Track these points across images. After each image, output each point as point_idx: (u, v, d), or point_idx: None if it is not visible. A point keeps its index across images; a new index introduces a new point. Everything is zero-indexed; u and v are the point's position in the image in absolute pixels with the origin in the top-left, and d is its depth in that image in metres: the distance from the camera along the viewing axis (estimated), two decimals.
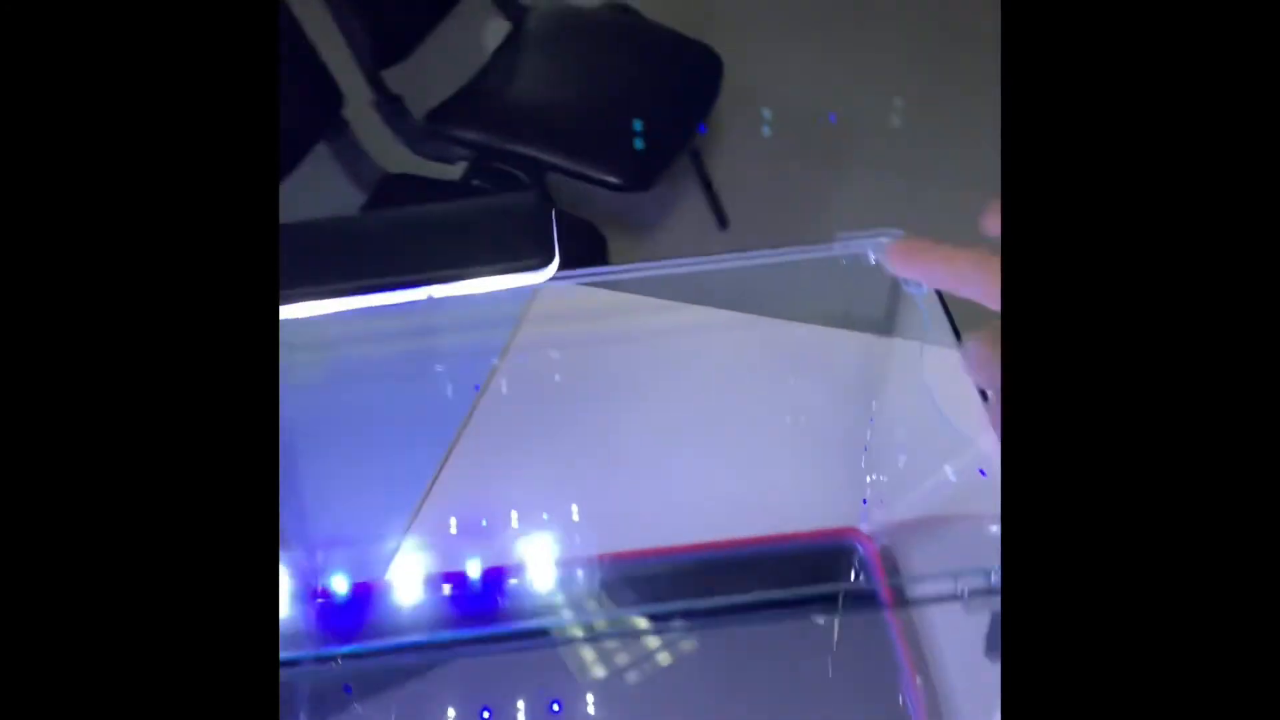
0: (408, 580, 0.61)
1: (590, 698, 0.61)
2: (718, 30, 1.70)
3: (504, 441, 0.76)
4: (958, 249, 0.32)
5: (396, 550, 0.66)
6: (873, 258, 0.48)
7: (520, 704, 0.61)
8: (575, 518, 0.68)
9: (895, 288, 0.49)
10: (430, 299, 0.35)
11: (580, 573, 0.64)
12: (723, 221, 1.90)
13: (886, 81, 2.07)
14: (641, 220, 1.87)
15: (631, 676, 0.63)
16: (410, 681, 0.62)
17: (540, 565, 0.62)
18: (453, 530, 0.67)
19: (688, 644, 0.65)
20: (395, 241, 0.35)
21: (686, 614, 0.55)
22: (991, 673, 0.49)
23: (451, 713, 0.62)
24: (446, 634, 0.49)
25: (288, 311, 0.34)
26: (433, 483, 0.73)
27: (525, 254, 0.34)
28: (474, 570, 0.56)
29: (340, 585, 0.51)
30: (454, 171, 1.53)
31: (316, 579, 0.52)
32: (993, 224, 0.30)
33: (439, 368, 0.79)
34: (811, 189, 1.92)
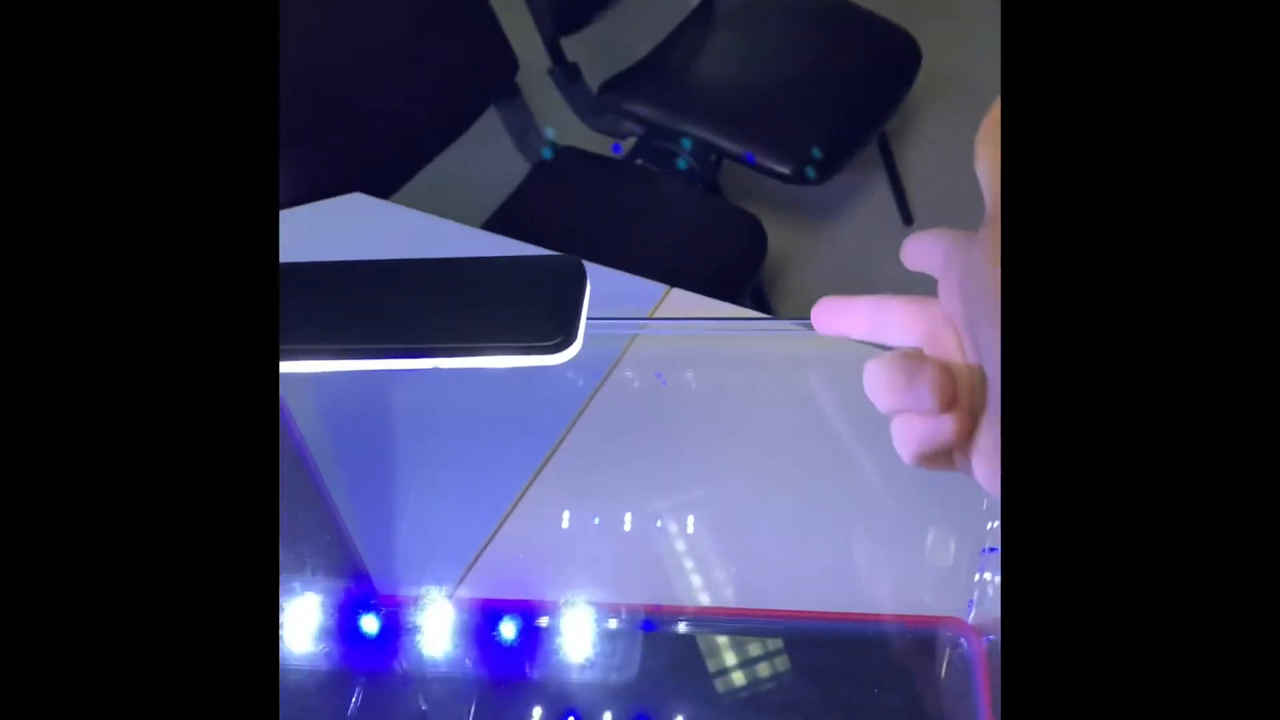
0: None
1: None
2: (918, 13, 1.59)
3: (586, 480, 0.72)
4: (884, 299, 0.31)
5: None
6: None
7: None
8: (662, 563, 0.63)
9: None
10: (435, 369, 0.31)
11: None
12: (907, 217, 1.80)
13: None
14: (815, 212, 1.79)
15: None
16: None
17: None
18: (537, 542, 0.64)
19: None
20: (404, 301, 0.31)
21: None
22: None
23: None
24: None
25: (285, 367, 0.31)
26: (515, 505, 0.69)
27: (544, 334, 0.30)
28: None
29: (370, 625, 0.49)
30: (623, 145, 1.50)
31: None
32: (911, 257, 0.30)
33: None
34: None
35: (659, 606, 0.62)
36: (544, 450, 0.71)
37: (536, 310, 0.30)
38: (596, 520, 0.66)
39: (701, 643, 0.62)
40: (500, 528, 0.68)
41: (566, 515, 0.66)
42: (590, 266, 0.73)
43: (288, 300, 0.31)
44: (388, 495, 0.68)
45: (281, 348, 0.31)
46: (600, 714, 0.56)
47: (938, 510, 0.63)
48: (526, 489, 0.69)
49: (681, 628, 0.62)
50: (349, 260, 0.32)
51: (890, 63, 1.50)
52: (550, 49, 1.40)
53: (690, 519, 0.66)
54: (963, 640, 0.59)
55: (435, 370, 0.31)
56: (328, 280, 0.32)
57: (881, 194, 1.76)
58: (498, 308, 0.31)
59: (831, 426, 0.71)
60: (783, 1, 1.57)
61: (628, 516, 0.65)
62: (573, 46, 1.41)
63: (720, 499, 0.68)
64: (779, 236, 1.41)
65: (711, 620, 0.63)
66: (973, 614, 0.59)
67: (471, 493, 0.68)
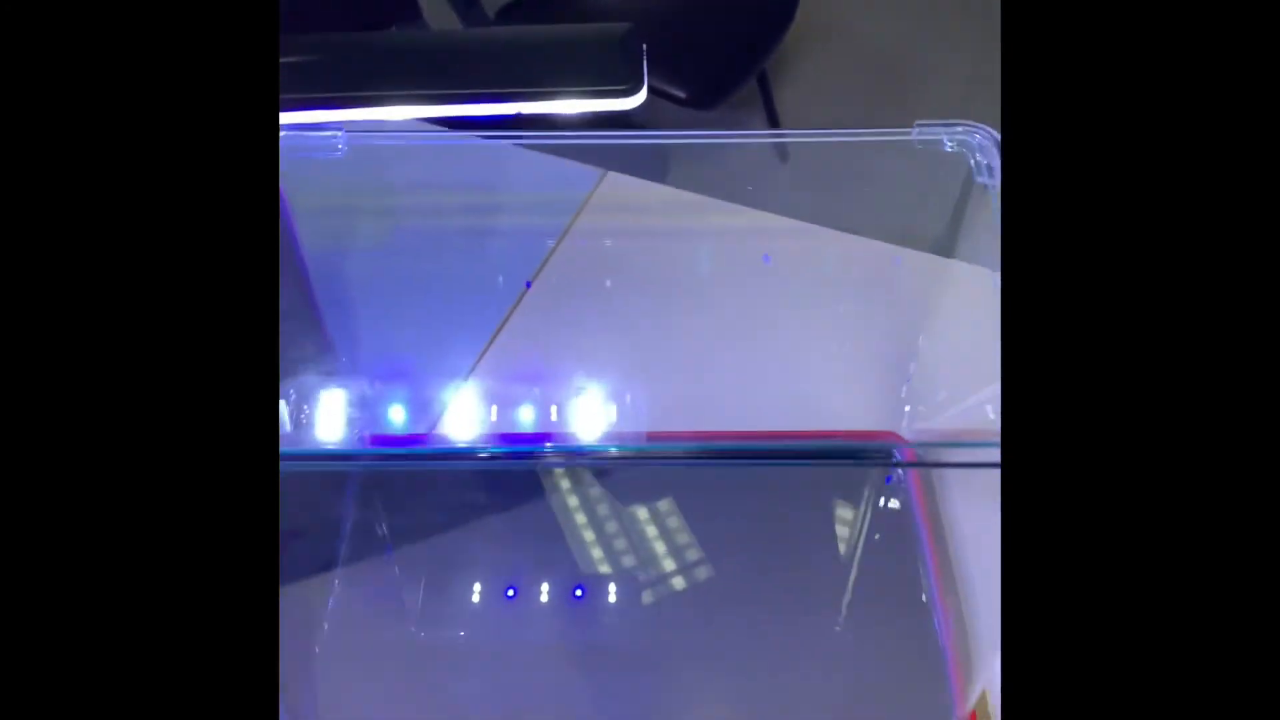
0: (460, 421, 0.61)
1: (613, 587, 0.62)
2: None
3: (554, 321, 0.77)
4: None
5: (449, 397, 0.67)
6: (948, 145, 0.48)
7: (545, 586, 0.62)
8: (627, 399, 0.69)
9: (968, 176, 0.49)
10: (519, 114, 0.35)
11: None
12: (783, 154, 1.88)
13: (965, 31, 2.02)
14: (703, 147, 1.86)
15: (656, 567, 0.64)
16: (441, 554, 0.64)
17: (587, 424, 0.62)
18: (502, 390, 0.68)
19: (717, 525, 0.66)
20: (489, 56, 0.35)
21: (727, 454, 0.55)
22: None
23: (478, 587, 0.63)
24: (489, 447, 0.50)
25: (386, 113, 0.35)
26: (480, 357, 0.74)
27: (616, 79, 0.35)
28: (526, 415, 0.57)
29: (397, 415, 0.52)
30: None
31: (371, 410, 0.54)
32: None
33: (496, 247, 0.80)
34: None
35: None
36: (507, 305, 0.75)
37: (610, 63, 0.35)
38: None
39: (658, 466, 0.68)
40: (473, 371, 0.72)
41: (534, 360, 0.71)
42: (525, 154, 0.77)
43: (371, 58, 0.35)
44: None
45: (375, 94, 0.35)
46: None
47: (870, 343, 0.71)
48: (495, 337, 0.74)
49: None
50: (434, 31, 0.36)
51: (770, 3, 1.58)
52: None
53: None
54: (896, 450, 0.67)
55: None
56: (418, 42, 0.36)
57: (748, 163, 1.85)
58: (575, 60, 0.35)
59: (767, 286, 0.77)
60: None
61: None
62: None
63: (675, 344, 0.74)
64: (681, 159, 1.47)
65: (672, 442, 0.69)
66: (904, 426, 0.67)
67: (446, 338, 0.72)
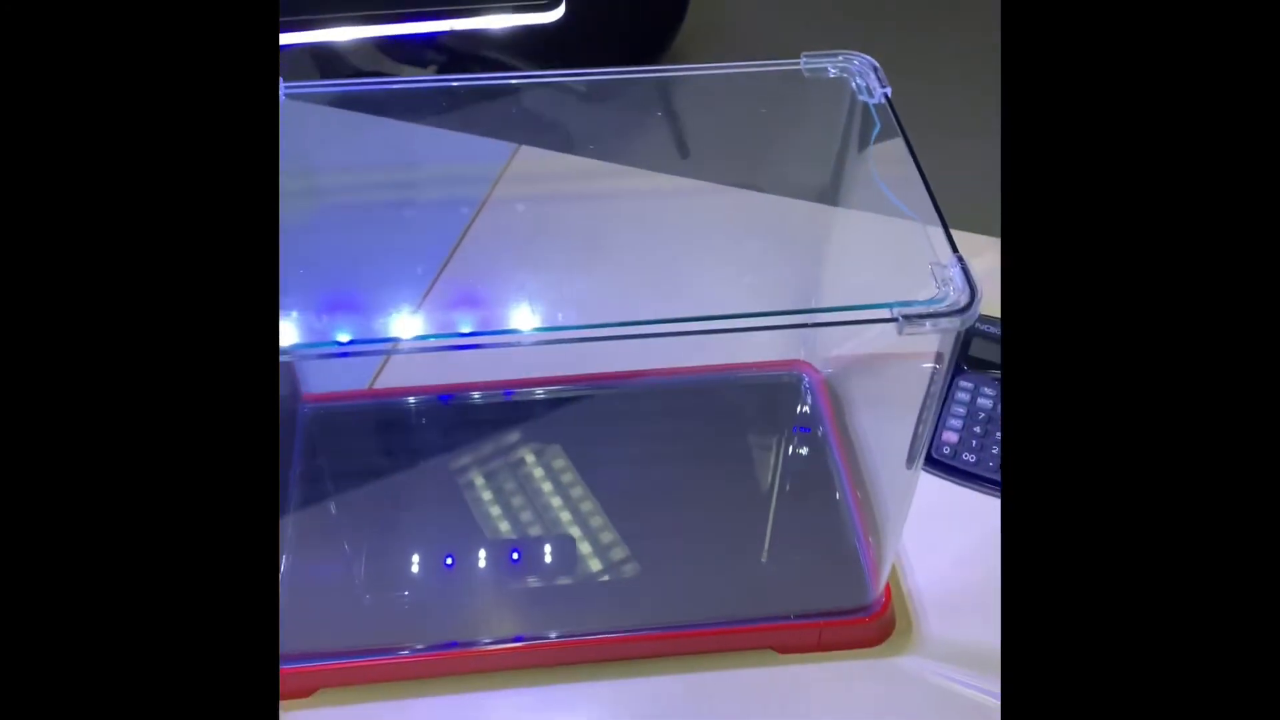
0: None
1: (548, 548, 0.66)
2: None
3: (477, 283, 0.81)
4: None
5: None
6: (832, 72, 0.54)
7: (481, 552, 0.65)
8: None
9: (852, 98, 0.55)
10: (452, 32, 0.39)
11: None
12: (683, 151, 1.95)
13: (850, 28, 2.13)
14: (608, 140, 1.91)
15: (587, 519, 0.69)
16: (381, 518, 0.67)
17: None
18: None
19: (641, 468, 0.70)
20: None
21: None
22: (907, 481, 0.56)
23: (416, 558, 0.66)
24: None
25: (324, 35, 0.39)
26: (411, 312, 0.77)
27: None
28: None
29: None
30: (418, 73, 1.56)
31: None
32: None
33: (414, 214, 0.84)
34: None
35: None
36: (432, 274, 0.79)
37: None
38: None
39: (594, 401, 0.73)
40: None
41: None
42: (439, 131, 0.81)
43: None
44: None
45: (305, 18, 0.38)
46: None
47: (775, 283, 0.76)
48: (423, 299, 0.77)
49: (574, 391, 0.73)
50: None
51: (663, 3, 1.65)
52: None
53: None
54: (806, 376, 0.73)
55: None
56: None
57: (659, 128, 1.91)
58: None
59: (671, 240, 0.83)
60: None
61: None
62: None
63: (588, 297, 0.78)
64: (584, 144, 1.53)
65: (603, 384, 0.73)
66: (804, 353, 0.73)
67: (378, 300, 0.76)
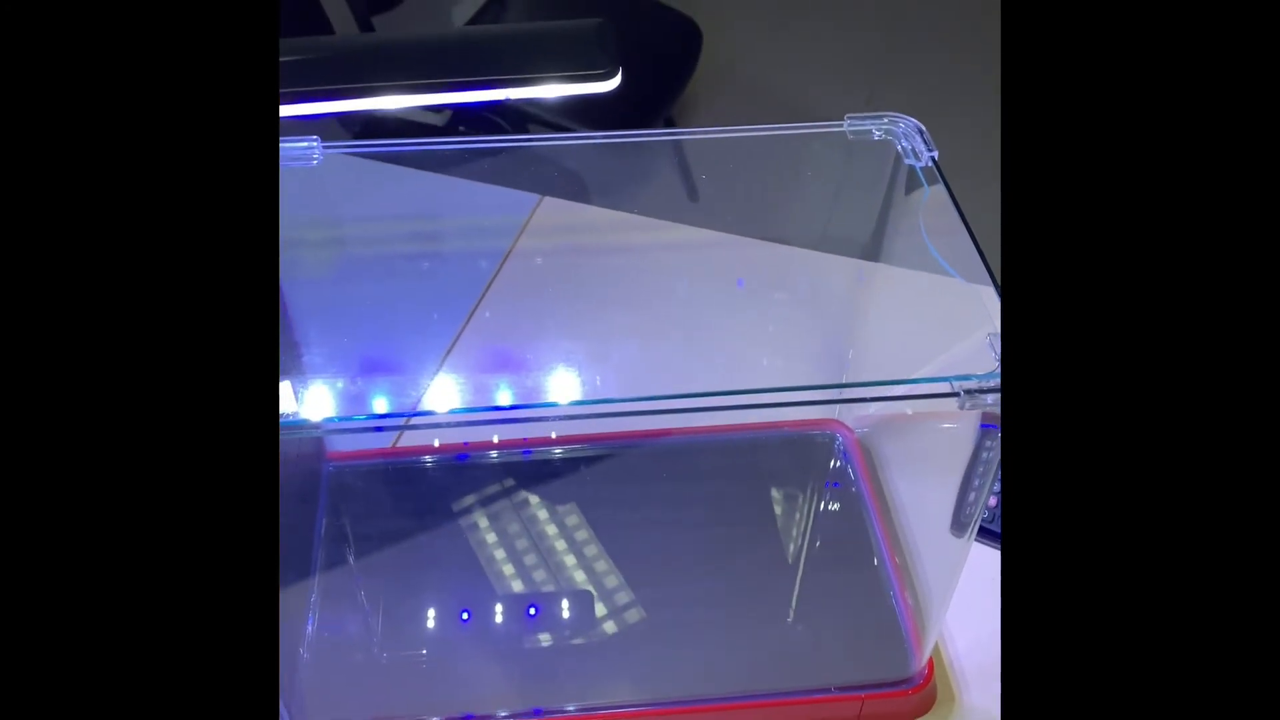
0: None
1: (567, 613, 0.64)
2: (697, 8, 1.75)
3: (500, 339, 0.80)
4: None
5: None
6: (876, 135, 0.53)
7: (499, 612, 0.64)
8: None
9: (897, 160, 0.54)
10: (506, 101, 0.38)
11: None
12: (693, 193, 1.95)
13: (861, 72, 2.14)
14: (619, 184, 1.92)
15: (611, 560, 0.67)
16: (401, 578, 0.65)
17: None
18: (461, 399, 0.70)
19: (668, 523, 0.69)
20: (480, 49, 0.39)
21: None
22: (956, 550, 0.54)
23: (432, 619, 0.65)
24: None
25: (383, 103, 0.38)
26: (434, 374, 0.76)
27: (594, 65, 0.38)
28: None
29: (378, 407, 0.54)
30: (437, 118, 1.57)
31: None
32: None
33: (431, 266, 0.83)
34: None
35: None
36: (459, 323, 0.78)
37: (588, 51, 0.39)
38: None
39: (618, 460, 0.71)
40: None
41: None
42: (464, 182, 0.81)
43: (365, 55, 0.38)
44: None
45: (365, 85, 0.38)
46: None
47: (806, 339, 0.75)
48: (446, 355, 0.76)
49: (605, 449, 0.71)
50: (416, 34, 0.39)
51: (674, 45, 1.65)
52: (361, 26, 1.45)
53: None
54: (840, 436, 0.72)
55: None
56: (412, 41, 0.39)
57: (668, 174, 1.92)
58: (555, 49, 0.39)
59: (699, 293, 0.82)
60: None
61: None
62: (385, 24, 1.47)
63: (620, 351, 0.77)
64: (599, 196, 1.52)
65: (628, 442, 0.72)
66: (838, 412, 0.72)
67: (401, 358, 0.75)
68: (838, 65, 2.16)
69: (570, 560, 0.67)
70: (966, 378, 0.42)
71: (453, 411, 0.44)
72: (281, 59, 0.38)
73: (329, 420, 0.46)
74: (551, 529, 0.69)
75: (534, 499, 0.70)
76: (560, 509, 0.69)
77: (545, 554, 0.67)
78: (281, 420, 0.43)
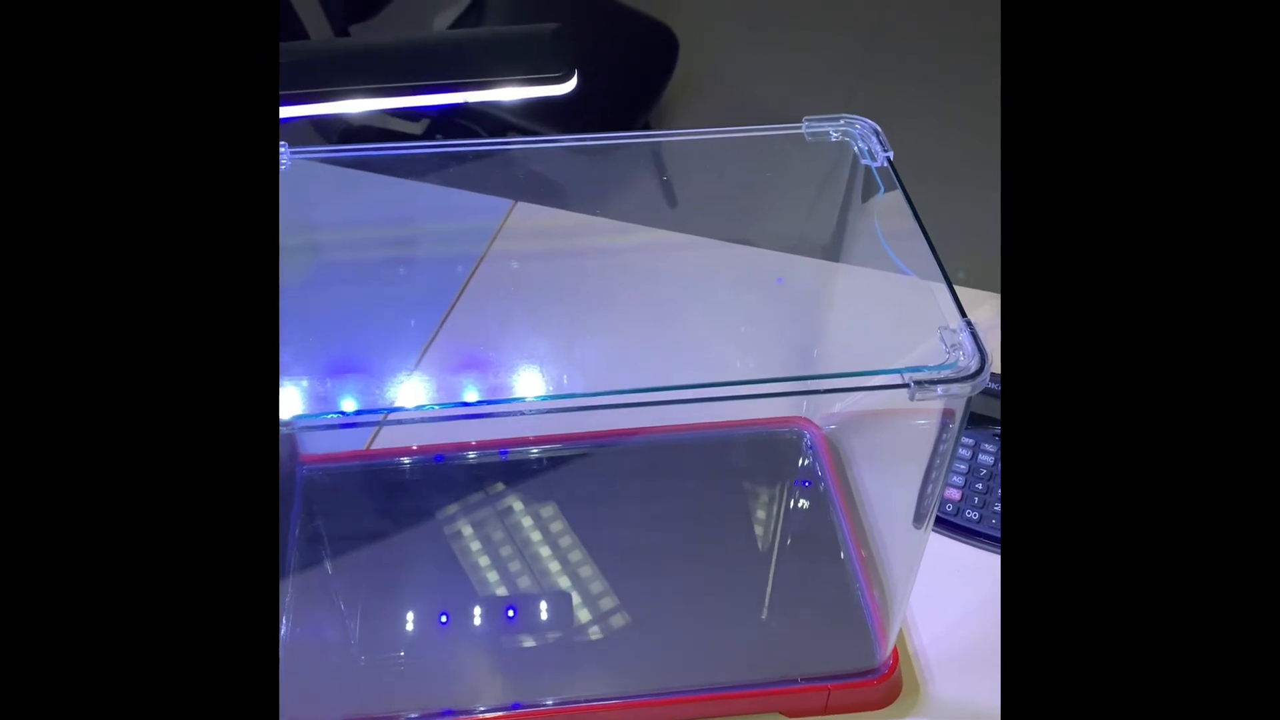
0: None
1: (544, 609, 0.65)
2: (674, 17, 1.77)
3: (475, 342, 0.81)
4: None
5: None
6: (833, 135, 0.55)
7: (477, 612, 0.65)
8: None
9: (854, 161, 0.55)
10: (466, 104, 0.39)
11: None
12: (671, 200, 1.96)
13: (838, 79, 2.16)
14: (590, 189, 1.93)
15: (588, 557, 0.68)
16: (378, 579, 0.66)
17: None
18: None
19: (639, 515, 0.70)
20: (440, 53, 0.40)
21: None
22: (916, 540, 0.55)
23: (411, 618, 0.66)
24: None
25: (344, 107, 0.39)
26: (407, 377, 0.77)
27: (549, 68, 0.40)
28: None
29: (347, 405, 0.55)
30: (416, 127, 1.57)
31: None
32: None
33: (405, 272, 0.84)
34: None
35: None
36: (433, 325, 0.79)
37: (543, 54, 0.40)
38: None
39: (591, 459, 0.72)
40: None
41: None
42: (437, 188, 0.82)
43: (327, 61, 0.39)
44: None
45: (326, 90, 0.39)
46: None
47: (773, 338, 0.76)
48: (421, 357, 0.77)
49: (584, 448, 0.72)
50: (384, 38, 0.40)
51: (651, 53, 1.67)
52: (338, 35, 1.46)
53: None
54: (807, 433, 0.73)
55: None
56: (371, 45, 0.40)
57: (638, 178, 1.93)
58: (511, 53, 0.40)
59: (670, 295, 0.83)
60: None
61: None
62: (362, 34, 1.48)
63: (586, 354, 0.78)
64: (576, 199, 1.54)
65: (600, 441, 0.73)
66: (805, 409, 0.73)
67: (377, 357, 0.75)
68: (815, 73, 2.18)
69: (547, 557, 0.68)
70: (917, 369, 0.44)
71: (421, 408, 0.45)
72: None
73: (299, 418, 0.47)
74: (527, 527, 0.69)
75: (510, 499, 0.71)
76: (535, 508, 0.70)
77: (521, 552, 0.68)
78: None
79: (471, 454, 0.73)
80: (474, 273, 0.85)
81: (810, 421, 0.73)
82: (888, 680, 0.59)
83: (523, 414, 0.46)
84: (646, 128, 1.85)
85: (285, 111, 0.39)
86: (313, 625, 0.64)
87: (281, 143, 0.53)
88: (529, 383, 0.65)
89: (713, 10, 2.25)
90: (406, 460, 0.73)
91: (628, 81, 1.61)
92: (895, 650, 0.60)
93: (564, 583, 0.66)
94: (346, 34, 1.46)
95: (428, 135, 1.54)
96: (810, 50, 2.22)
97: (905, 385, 0.43)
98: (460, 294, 0.83)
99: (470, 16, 1.63)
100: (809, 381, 0.55)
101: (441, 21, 1.61)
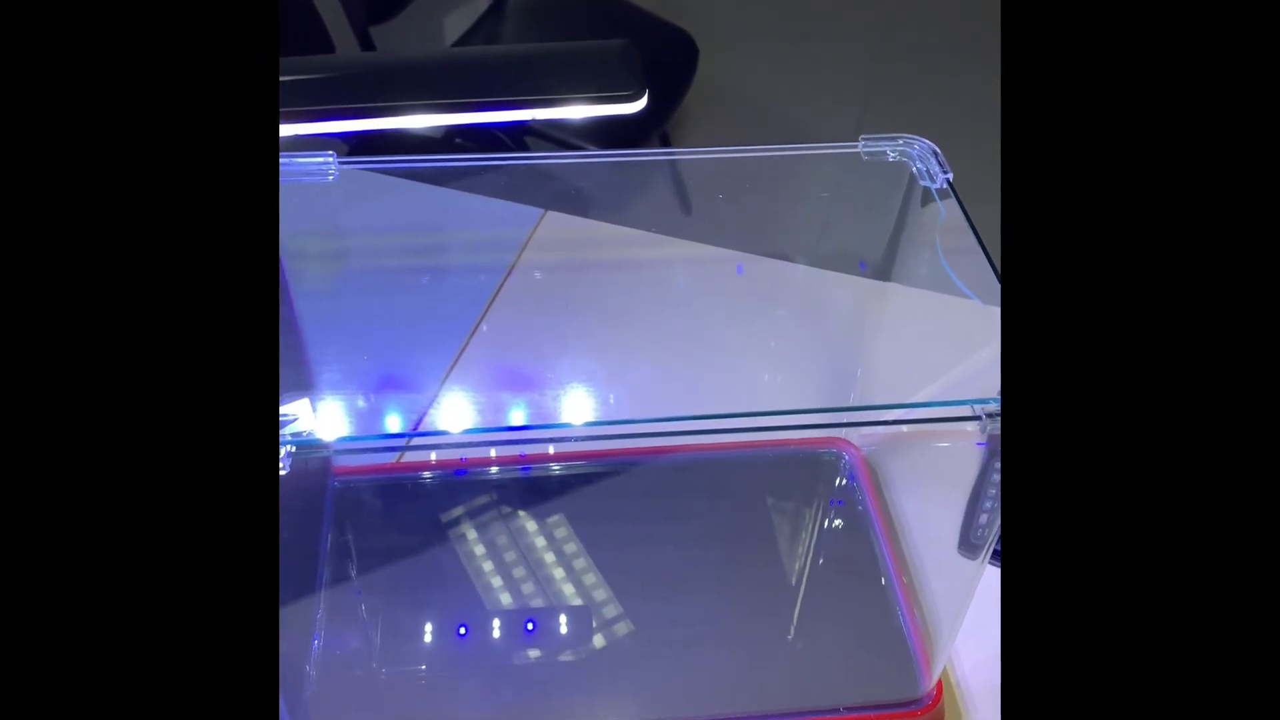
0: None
1: (563, 619, 0.64)
2: (691, 21, 1.76)
3: (503, 354, 0.80)
4: None
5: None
6: (891, 155, 0.54)
7: (497, 628, 0.64)
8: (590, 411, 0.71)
9: (911, 181, 0.54)
10: (531, 122, 0.38)
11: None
12: (686, 208, 1.95)
13: (852, 89, 2.15)
14: (624, 200, 1.92)
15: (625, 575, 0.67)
16: (405, 594, 0.65)
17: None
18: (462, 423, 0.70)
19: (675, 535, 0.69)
20: (507, 69, 0.39)
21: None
22: (965, 569, 0.54)
23: (429, 628, 0.65)
24: None
25: (407, 122, 0.38)
26: (441, 384, 0.76)
27: (619, 86, 0.38)
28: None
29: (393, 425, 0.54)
30: (434, 131, 1.56)
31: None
32: None
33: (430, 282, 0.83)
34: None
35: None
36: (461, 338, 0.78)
37: (614, 72, 0.39)
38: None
39: (622, 477, 0.71)
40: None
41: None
42: (469, 196, 0.81)
43: (391, 74, 0.38)
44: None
45: (393, 104, 0.38)
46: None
47: (814, 356, 0.75)
48: (450, 370, 0.76)
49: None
50: (446, 49, 0.39)
51: (670, 60, 1.65)
52: (359, 36, 1.45)
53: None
54: (846, 454, 0.72)
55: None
56: (436, 59, 0.39)
57: (673, 190, 1.92)
58: (578, 69, 0.39)
59: (704, 310, 0.82)
60: (569, 2, 1.70)
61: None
62: (382, 35, 1.47)
63: (621, 367, 0.77)
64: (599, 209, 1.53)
65: (632, 459, 0.72)
66: (845, 431, 0.72)
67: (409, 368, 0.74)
68: (831, 83, 2.17)
69: (568, 576, 0.66)
70: (986, 400, 0.42)
71: (466, 432, 0.43)
72: (305, 76, 0.38)
73: (341, 440, 0.46)
74: (550, 544, 0.68)
75: (534, 515, 0.70)
76: (558, 525, 0.69)
77: (542, 570, 0.67)
78: (297, 439, 0.42)
79: (495, 469, 0.72)
80: (504, 283, 0.84)
81: (849, 442, 0.72)
82: (932, 711, 0.58)
83: (566, 439, 0.45)
84: (664, 138, 1.84)
85: (345, 126, 0.38)
86: (341, 640, 0.63)
87: (329, 153, 0.52)
88: (561, 405, 0.64)
89: (732, 18, 2.24)
90: (431, 475, 0.72)
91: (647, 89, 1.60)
92: (939, 680, 0.59)
93: (585, 602, 0.64)
94: (368, 37, 1.45)
95: (446, 141, 1.53)
96: (828, 59, 2.22)
97: (976, 418, 0.42)
98: (490, 304, 0.82)
99: (486, 23, 1.62)
100: (866, 412, 0.54)
101: (458, 23, 1.60)
